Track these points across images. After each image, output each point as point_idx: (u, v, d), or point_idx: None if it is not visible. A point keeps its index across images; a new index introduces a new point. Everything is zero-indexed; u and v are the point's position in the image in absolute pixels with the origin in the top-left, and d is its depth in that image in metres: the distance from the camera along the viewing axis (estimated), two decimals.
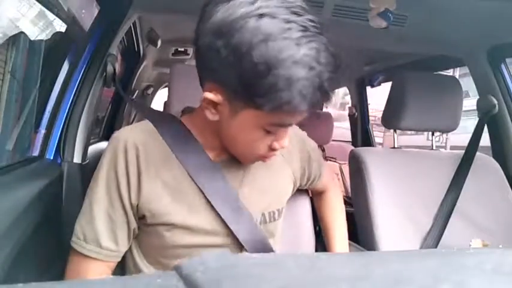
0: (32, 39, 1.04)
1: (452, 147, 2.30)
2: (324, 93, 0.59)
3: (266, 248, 0.77)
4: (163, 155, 0.72)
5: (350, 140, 2.89)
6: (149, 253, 0.77)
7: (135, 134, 0.73)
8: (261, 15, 0.55)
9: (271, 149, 0.69)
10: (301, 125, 0.82)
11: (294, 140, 0.84)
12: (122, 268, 0.79)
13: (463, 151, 1.38)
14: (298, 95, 0.56)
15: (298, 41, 0.55)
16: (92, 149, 1.26)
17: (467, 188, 1.28)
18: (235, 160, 0.75)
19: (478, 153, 1.37)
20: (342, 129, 3.76)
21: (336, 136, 2.70)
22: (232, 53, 0.56)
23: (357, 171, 1.29)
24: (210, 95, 0.62)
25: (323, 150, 2.52)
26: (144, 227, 0.74)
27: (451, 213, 1.24)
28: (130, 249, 0.77)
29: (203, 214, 0.72)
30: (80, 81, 1.13)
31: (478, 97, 1.50)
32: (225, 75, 0.59)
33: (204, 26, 0.59)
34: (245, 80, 0.57)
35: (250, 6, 0.56)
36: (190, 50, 2.18)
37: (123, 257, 0.76)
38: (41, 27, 1.07)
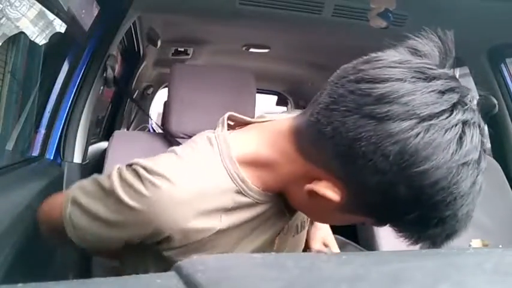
0: (32, 39, 1.04)
1: None
2: None
3: None
4: None
5: None
6: None
7: None
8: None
9: None
10: None
11: None
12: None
13: None
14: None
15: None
16: (92, 149, 1.26)
17: None
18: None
19: None
20: None
21: None
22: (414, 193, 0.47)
23: None
24: (329, 193, 0.49)
25: None
26: None
27: None
28: None
29: None
30: (80, 81, 1.13)
31: (478, 97, 1.50)
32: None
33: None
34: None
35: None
36: (191, 50, 2.18)
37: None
38: (41, 27, 1.07)
